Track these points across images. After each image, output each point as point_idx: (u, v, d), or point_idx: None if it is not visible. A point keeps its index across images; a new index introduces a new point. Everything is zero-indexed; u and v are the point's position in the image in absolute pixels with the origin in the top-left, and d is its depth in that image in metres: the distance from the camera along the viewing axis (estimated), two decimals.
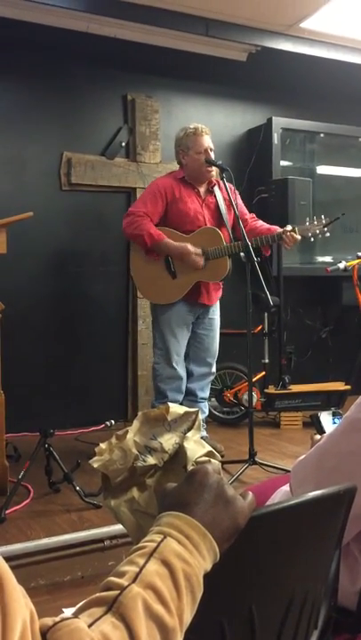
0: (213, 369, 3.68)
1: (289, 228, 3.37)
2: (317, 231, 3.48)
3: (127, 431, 0.94)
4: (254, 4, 3.77)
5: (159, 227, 3.41)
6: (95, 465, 0.92)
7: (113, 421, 3.84)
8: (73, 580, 2.41)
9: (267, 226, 3.51)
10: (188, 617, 0.67)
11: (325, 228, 3.47)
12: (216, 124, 4.68)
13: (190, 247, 3.36)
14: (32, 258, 4.12)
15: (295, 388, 4.36)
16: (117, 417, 4.09)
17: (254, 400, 4.04)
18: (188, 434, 0.93)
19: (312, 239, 3.54)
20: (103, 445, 0.94)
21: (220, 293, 3.61)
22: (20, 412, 3.76)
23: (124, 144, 4.43)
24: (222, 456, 3.45)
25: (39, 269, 4.18)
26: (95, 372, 4.38)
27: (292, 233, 3.33)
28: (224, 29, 4.02)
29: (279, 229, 3.42)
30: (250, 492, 0.79)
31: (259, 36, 4.15)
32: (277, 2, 3.75)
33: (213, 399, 4.33)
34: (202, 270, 3.40)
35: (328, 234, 3.51)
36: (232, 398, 4.33)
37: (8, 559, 0.57)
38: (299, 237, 3.36)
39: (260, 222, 3.57)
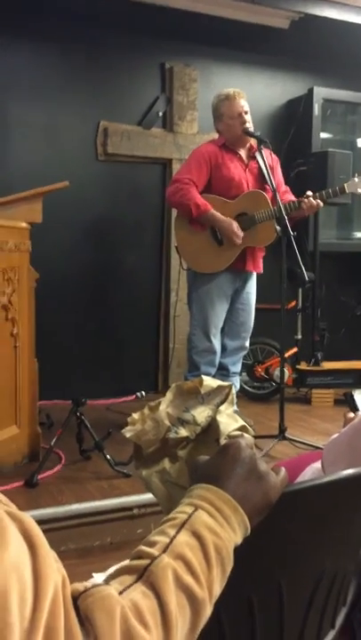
0: (247, 344, 3.67)
1: (309, 193, 3.30)
2: None
3: (160, 402, 0.94)
4: None
5: (204, 194, 3.36)
6: (128, 435, 0.93)
7: (144, 392, 3.87)
8: (102, 545, 2.46)
9: (294, 199, 3.43)
10: (217, 589, 0.67)
11: None
12: (255, 93, 4.57)
13: (235, 226, 3.31)
14: (67, 227, 4.13)
15: (327, 366, 4.32)
16: (148, 388, 4.11)
17: (286, 376, 4.02)
18: (221, 407, 0.93)
19: None
20: (136, 415, 0.94)
21: (261, 262, 3.58)
22: (53, 379, 3.81)
23: (161, 114, 4.38)
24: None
25: (74, 239, 4.20)
26: (127, 343, 4.40)
27: (311, 199, 3.27)
28: None
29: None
30: (282, 468, 0.78)
31: (303, 3, 4.02)
32: None
33: (244, 373, 4.32)
34: (249, 235, 3.35)
35: None
36: (263, 373, 4.32)
37: (40, 523, 0.58)
38: (319, 203, 3.29)
39: (290, 196, 3.51)
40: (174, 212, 3.59)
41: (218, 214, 3.32)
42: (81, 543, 2.44)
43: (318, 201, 3.30)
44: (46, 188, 2.98)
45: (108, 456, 2.83)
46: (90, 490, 2.68)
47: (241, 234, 3.33)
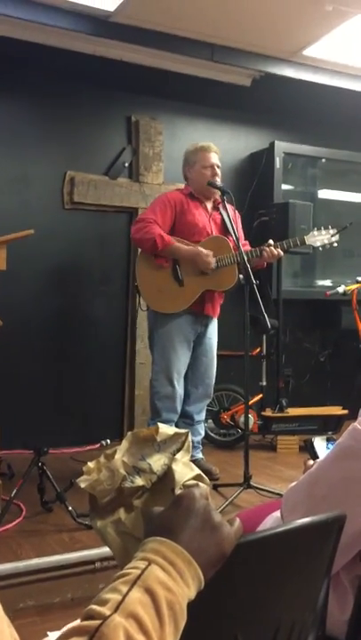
0: (211, 391, 3.67)
1: (271, 242, 3.39)
2: (326, 240, 3.52)
3: (116, 451, 0.93)
4: (259, 30, 3.83)
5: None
6: (82, 485, 0.92)
7: (109, 440, 3.81)
8: (63, 601, 2.38)
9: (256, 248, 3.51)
10: None
11: (334, 238, 3.51)
12: (219, 147, 4.66)
13: (202, 248, 3.37)
14: (32, 275, 4.13)
15: (292, 412, 4.34)
16: (113, 436, 4.05)
17: (251, 422, 4.02)
18: (178, 455, 0.93)
19: (320, 249, 3.57)
20: (91, 464, 0.93)
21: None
22: (15, 429, 3.74)
23: (127, 164, 4.47)
24: (217, 479, 3.43)
25: (39, 287, 4.19)
26: (92, 391, 4.37)
27: (272, 248, 3.36)
28: (229, 55, 4.07)
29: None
30: (237, 519, 0.78)
31: (262, 62, 4.20)
32: (281, 29, 3.80)
33: (210, 421, 4.31)
34: (210, 278, 3.40)
35: (336, 244, 3.55)
36: (229, 420, 4.32)
37: None
38: (280, 253, 3.39)
39: (248, 247, 3.58)
40: (139, 251, 3.63)
41: (183, 245, 3.38)
42: (41, 600, 2.35)
43: (279, 250, 3.38)
44: (11, 235, 2.99)
45: (70, 507, 2.77)
46: (50, 543, 2.60)
47: (210, 252, 3.36)
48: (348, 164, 5.30)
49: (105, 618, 0.62)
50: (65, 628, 0.69)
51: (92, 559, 2.46)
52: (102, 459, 0.93)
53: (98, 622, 0.62)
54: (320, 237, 3.53)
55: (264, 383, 4.43)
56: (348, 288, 4.34)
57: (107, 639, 0.61)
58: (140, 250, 3.56)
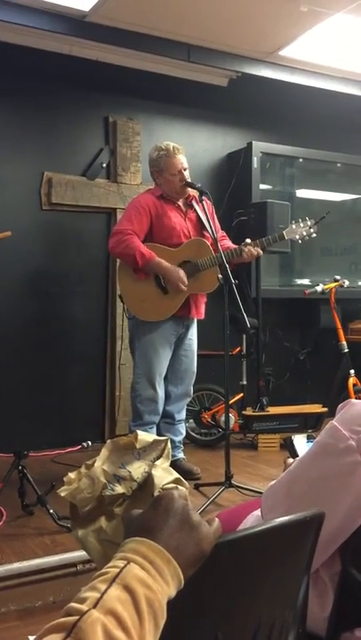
0: (191, 390, 3.67)
1: (248, 241, 3.40)
2: (304, 232, 3.54)
3: (95, 459, 0.93)
4: (235, 31, 3.84)
5: (147, 243, 3.39)
6: (62, 494, 0.91)
7: (90, 442, 3.79)
8: (44, 605, 2.36)
9: (233, 246, 3.51)
10: None
11: (312, 229, 3.53)
12: (197, 147, 4.74)
13: (181, 273, 3.36)
14: (10, 277, 4.10)
15: (273, 410, 4.36)
16: (95, 438, 4.04)
17: (232, 422, 4.04)
18: (157, 462, 0.93)
19: (300, 241, 3.59)
20: (72, 475, 0.93)
21: (204, 308, 3.62)
22: None
23: (104, 165, 4.46)
24: (199, 478, 3.44)
25: (17, 288, 4.16)
26: (73, 393, 4.34)
27: (250, 247, 3.37)
28: (205, 55, 4.08)
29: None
30: (216, 519, 0.78)
31: (239, 63, 4.22)
32: (257, 30, 3.82)
33: (191, 420, 4.32)
34: (193, 282, 3.40)
35: (315, 234, 3.57)
36: (210, 420, 4.32)
37: None
38: (259, 252, 3.40)
39: (228, 242, 3.59)
40: (118, 261, 3.62)
41: (163, 262, 3.36)
42: (22, 604, 2.34)
43: (258, 249, 3.39)
44: None
45: (51, 510, 2.75)
46: (32, 547, 2.59)
47: (186, 281, 3.38)
48: (325, 164, 5.34)
49: (83, 613, 0.62)
50: (41, 631, 0.69)
51: (74, 562, 2.45)
52: (83, 468, 0.93)
53: (75, 618, 0.62)
54: (299, 230, 3.55)
55: (244, 382, 4.45)
56: (326, 287, 4.37)
57: (84, 634, 0.60)
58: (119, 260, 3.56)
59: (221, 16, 3.63)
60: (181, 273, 3.37)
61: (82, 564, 2.44)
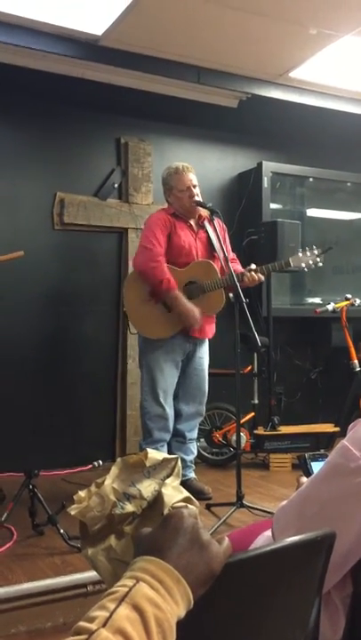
0: (203, 409, 3.66)
1: (253, 267, 3.41)
2: (310, 261, 3.54)
3: (105, 478, 0.93)
4: (245, 53, 3.89)
5: None
6: (72, 512, 0.91)
7: (101, 462, 3.78)
8: (54, 626, 2.34)
9: (240, 269, 3.50)
10: None
11: (318, 258, 3.53)
12: (207, 167, 4.78)
13: (197, 312, 3.35)
14: (22, 296, 4.13)
15: (284, 430, 4.34)
16: (105, 457, 4.02)
17: (243, 441, 4.02)
18: (167, 480, 0.92)
19: (306, 270, 3.59)
20: (82, 493, 0.93)
21: (213, 328, 3.62)
22: (6, 451, 3.72)
23: (116, 185, 4.50)
24: (210, 498, 3.41)
25: (29, 308, 4.19)
26: (84, 412, 4.35)
27: (253, 273, 3.36)
28: (215, 77, 4.13)
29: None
30: (226, 538, 0.78)
31: (248, 84, 4.27)
32: (267, 52, 3.87)
33: (202, 440, 4.30)
34: (197, 303, 3.40)
35: (321, 264, 3.56)
36: (221, 439, 4.30)
37: None
38: (260, 278, 3.39)
39: (236, 265, 3.58)
40: (128, 275, 3.63)
41: (182, 298, 3.36)
42: (32, 624, 2.32)
43: (259, 275, 3.39)
44: (1, 257, 3.00)
45: (61, 530, 2.74)
46: (42, 567, 2.57)
47: (201, 321, 3.37)
48: (335, 183, 5.36)
49: (91, 633, 0.62)
50: None
51: (84, 582, 2.43)
52: (93, 486, 0.93)
53: (84, 637, 0.61)
54: (305, 259, 3.55)
55: (256, 401, 4.43)
56: (337, 305, 4.36)
57: None
58: (129, 272, 3.58)
59: (231, 39, 3.68)
60: (197, 312, 3.36)
61: (92, 585, 2.42)
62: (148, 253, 3.40)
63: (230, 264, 3.44)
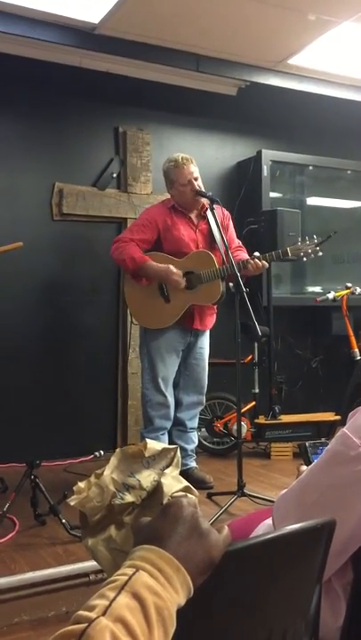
0: (203, 399, 3.67)
1: (257, 254, 3.39)
2: (310, 250, 3.52)
3: (105, 468, 0.93)
4: (243, 41, 3.86)
5: (151, 252, 3.43)
6: (72, 503, 0.91)
7: (102, 452, 3.79)
8: (57, 615, 2.35)
9: (246, 257, 3.48)
10: None
11: (318, 248, 3.52)
12: (207, 156, 4.75)
13: (172, 267, 3.37)
14: (22, 287, 4.13)
15: (285, 419, 4.34)
16: (107, 447, 4.04)
17: (244, 430, 4.02)
18: (167, 470, 0.92)
19: (305, 259, 3.57)
20: (82, 484, 0.93)
21: (213, 319, 3.62)
22: (7, 442, 3.73)
23: (115, 175, 4.48)
24: (211, 487, 3.43)
25: (29, 299, 4.18)
26: (85, 402, 4.35)
27: (257, 260, 3.35)
28: (214, 65, 4.10)
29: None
30: (226, 526, 0.78)
31: (248, 72, 4.24)
32: (265, 39, 3.84)
33: (203, 429, 4.30)
34: (194, 293, 3.41)
35: (320, 253, 3.55)
36: (222, 428, 4.31)
37: None
38: (265, 264, 3.37)
39: (242, 253, 3.58)
40: None
41: (154, 263, 3.38)
42: (35, 614, 2.33)
43: (264, 262, 3.38)
44: (0, 248, 2.99)
45: (63, 520, 2.75)
46: (44, 556, 2.58)
47: (178, 272, 3.37)
48: (335, 171, 5.33)
49: (91, 621, 0.62)
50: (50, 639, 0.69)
51: (87, 572, 2.44)
52: (92, 477, 0.93)
53: (84, 626, 0.61)
54: (304, 248, 3.53)
55: (257, 390, 4.43)
56: (337, 294, 4.35)
57: None
58: None
59: (229, 26, 3.65)
60: (172, 267, 3.37)
61: (94, 574, 2.43)
62: (117, 243, 3.47)
63: (235, 252, 3.44)
